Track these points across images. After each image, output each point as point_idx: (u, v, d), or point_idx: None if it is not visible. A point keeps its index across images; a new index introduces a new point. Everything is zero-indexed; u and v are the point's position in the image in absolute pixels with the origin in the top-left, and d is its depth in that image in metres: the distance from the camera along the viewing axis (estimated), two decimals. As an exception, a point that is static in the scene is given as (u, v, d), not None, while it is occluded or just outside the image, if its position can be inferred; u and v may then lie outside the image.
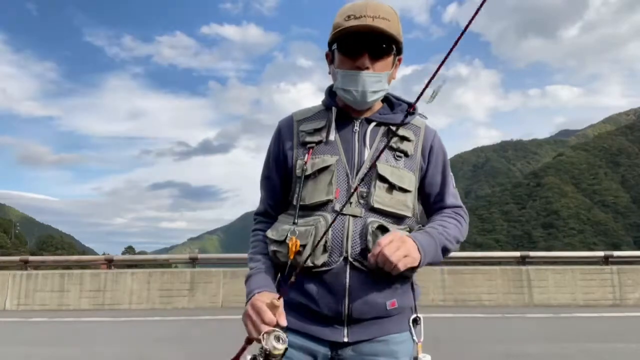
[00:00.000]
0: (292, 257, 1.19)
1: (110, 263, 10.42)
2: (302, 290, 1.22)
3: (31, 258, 11.27)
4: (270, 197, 1.38)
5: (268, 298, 1.12)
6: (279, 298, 1.11)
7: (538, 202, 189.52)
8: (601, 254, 10.22)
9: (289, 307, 1.23)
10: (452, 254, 11.08)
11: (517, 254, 10.42)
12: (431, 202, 1.36)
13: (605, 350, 5.22)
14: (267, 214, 1.39)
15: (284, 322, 1.10)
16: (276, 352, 1.08)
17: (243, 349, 1.16)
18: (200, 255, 10.55)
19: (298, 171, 1.27)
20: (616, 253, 10.29)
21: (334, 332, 1.21)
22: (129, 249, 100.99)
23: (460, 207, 1.37)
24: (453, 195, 1.37)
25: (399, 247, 1.11)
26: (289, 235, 1.21)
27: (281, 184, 1.35)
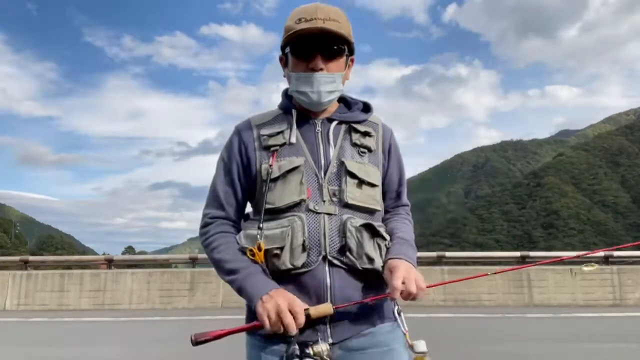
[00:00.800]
0: (261, 260, 1.17)
1: (110, 263, 10.42)
2: None
3: (31, 258, 11.27)
4: (232, 203, 1.33)
5: (297, 301, 1.12)
6: (335, 308, 1.13)
7: (538, 202, 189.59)
8: (601, 254, 10.22)
9: None
10: (452, 254, 11.06)
11: (517, 254, 10.43)
12: (388, 198, 1.39)
13: (605, 350, 5.22)
14: (230, 219, 1.32)
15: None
16: (325, 357, 1.12)
17: (249, 328, 1.15)
18: (200, 255, 10.51)
19: (264, 175, 1.25)
20: (616, 253, 10.28)
21: (318, 334, 1.17)
22: (129, 249, 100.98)
23: (409, 205, 1.45)
24: (406, 195, 1.43)
25: (413, 281, 1.15)
26: (259, 239, 1.19)
27: (244, 189, 1.33)
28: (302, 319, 1.09)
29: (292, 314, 1.09)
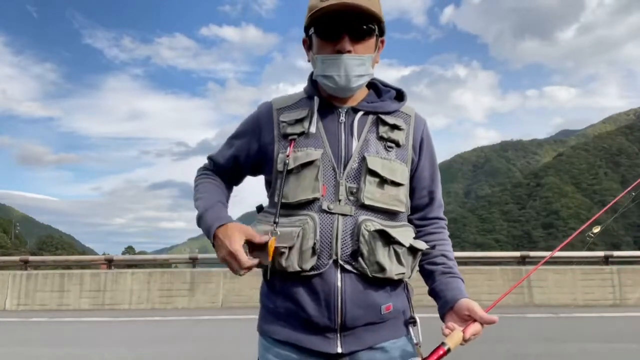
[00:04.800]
0: (270, 259, 1.08)
1: (110, 263, 10.42)
2: (289, 296, 1.12)
3: (31, 258, 11.26)
4: (221, 171, 1.32)
5: (240, 233, 1.09)
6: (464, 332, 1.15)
7: (538, 202, 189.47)
8: (601, 254, 10.21)
9: (276, 316, 1.16)
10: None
11: (517, 254, 10.43)
12: (418, 197, 1.25)
13: (605, 350, 5.22)
14: (214, 172, 1.33)
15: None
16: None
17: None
18: (200, 255, 10.53)
19: (279, 165, 1.15)
20: (616, 253, 10.28)
21: (327, 342, 1.10)
22: (129, 249, 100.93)
23: (442, 207, 1.32)
24: (441, 194, 1.31)
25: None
26: (270, 235, 1.10)
27: (239, 165, 1.29)
28: (243, 260, 1.06)
29: (233, 254, 1.07)
